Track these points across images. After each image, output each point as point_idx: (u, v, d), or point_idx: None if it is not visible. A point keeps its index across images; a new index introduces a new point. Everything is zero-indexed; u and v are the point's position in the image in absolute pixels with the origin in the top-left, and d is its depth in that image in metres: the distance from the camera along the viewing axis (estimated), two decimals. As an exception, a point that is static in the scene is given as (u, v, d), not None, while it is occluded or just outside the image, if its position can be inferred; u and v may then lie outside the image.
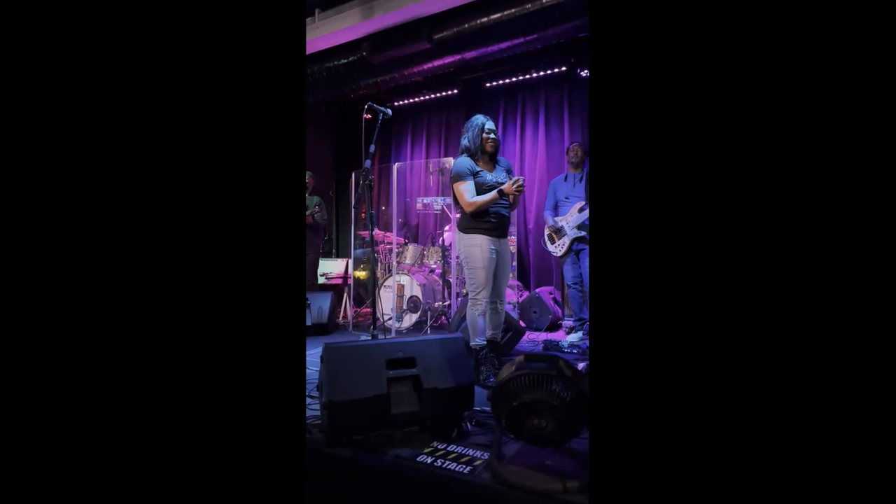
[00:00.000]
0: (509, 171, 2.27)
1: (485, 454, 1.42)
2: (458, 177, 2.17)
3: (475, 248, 2.13)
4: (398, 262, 3.71)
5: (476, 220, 2.16)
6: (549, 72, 4.36)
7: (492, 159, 2.26)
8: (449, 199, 3.88)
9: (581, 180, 3.12)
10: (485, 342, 2.21)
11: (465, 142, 2.24)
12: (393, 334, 3.34)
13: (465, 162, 2.20)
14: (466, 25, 3.49)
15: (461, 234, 2.20)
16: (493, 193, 2.12)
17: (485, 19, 3.41)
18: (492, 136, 2.21)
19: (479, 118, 2.25)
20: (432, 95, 5.02)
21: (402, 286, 3.55)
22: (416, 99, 5.10)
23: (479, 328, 2.18)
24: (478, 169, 2.19)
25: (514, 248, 4.12)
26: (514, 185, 2.09)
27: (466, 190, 2.15)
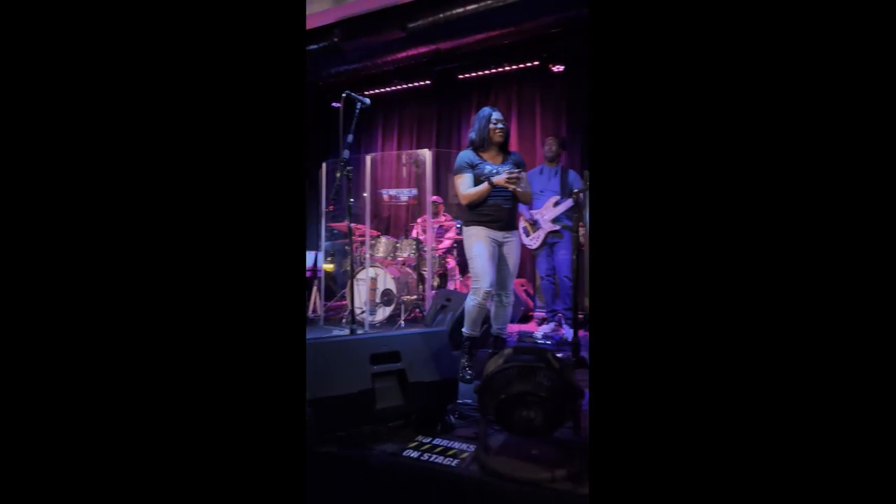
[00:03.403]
0: (518, 166, 2.21)
1: (470, 447, 1.43)
2: (456, 170, 2.20)
3: (472, 239, 2.15)
4: (370, 255, 3.66)
5: (473, 213, 2.17)
6: (521, 66, 4.39)
7: (502, 150, 2.24)
8: (415, 192, 3.85)
9: (556, 174, 3.17)
10: (474, 334, 2.21)
11: (472, 134, 2.23)
12: (367, 328, 3.30)
13: (464, 155, 2.20)
14: (441, 15, 3.45)
15: (463, 227, 2.24)
16: (485, 185, 2.11)
17: (460, 10, 3.38)
18: (499, 125, 2.18)
19: (486, 109, 2.24)
20: (405, 86, 4.95)
21: (375, 279, 3.50)
22: (388, 89, 5.01)
23: (472, 318, 2.17)
24: (478, 161, 2.18)
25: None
26: (505, 177, 2.09)
27: (461, 183, 2.17)
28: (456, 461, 1.34)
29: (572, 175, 3.19)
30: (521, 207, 3.21)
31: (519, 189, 2.13)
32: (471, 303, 2.16)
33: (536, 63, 4.31)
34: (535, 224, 3.16)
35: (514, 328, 3.40)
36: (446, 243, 4.02)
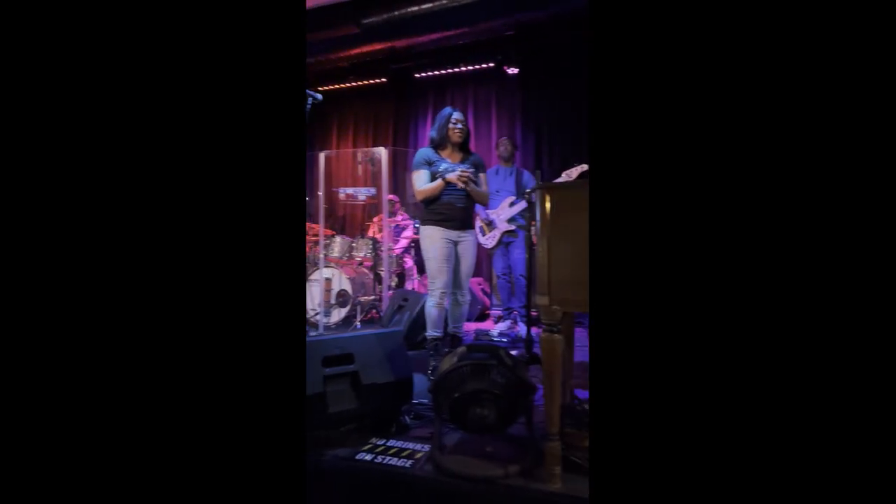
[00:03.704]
0: (477, 167, 2.23)
1: (425, 447, 1.42)
2: (414, 167, 2.21)
3: (427, 240, 2.17)
4: (325, 255, 3.57)
5: (428, 211, 2.18)
6: (477, 67, 4.43)
7: (462, 150, 2.26)
8: (374, 191, 3.80)
9: (511, 174, 3.23)
10: (437, 334, 2.21)
11: (432, 132, 2.26)
12: (321, 330, 3.22)
13: (422, 153, 2.21)
14: (396, 13, 3.42)
15: (420, 226, 2.25)
16: (438, 181, 2.12)
17: (415, 8, 3.37)
18: (459, 125, 2.20)
19: (447, 109, 2.27)
20: (360, 83, 4.86)
21: (330, 280, 3.42)
22: (343, 85, 4.91)
23: (432, 319, 2.18)
24: (435, 159, 2.19)
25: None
26: (458, 175, 2.10)
27: (416, 179, 2.17)
28: (410, 462, 1.33)
29: (527, 175, 3.25)
30: (478, 207, 3.24)
31: (472, 188, 2.15)
32: (429, 304, 2.17)
33: (492, 65, 4.37)
34: (490, 224, 3.20)
35: (471, 326, 3.42)
36: (403, 243, 4.00)
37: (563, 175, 3.03)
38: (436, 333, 2.20)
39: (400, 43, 3.63)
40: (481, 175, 2.23)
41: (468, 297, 2.31)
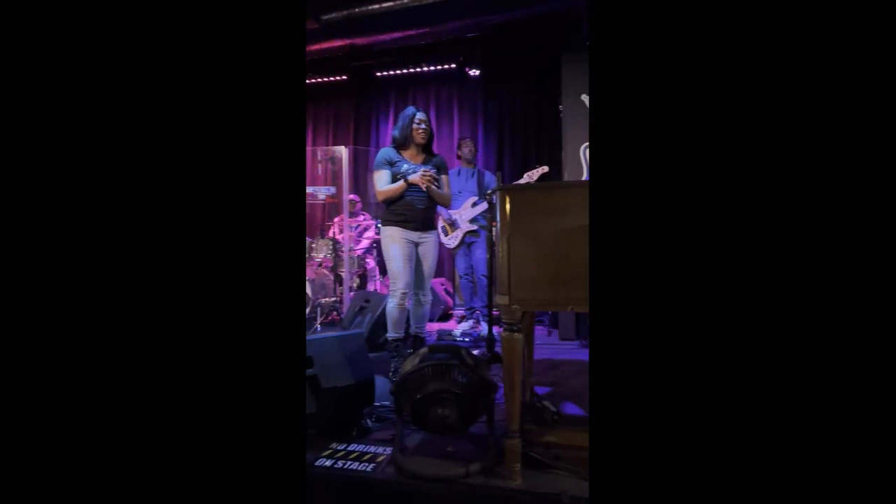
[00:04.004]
0: (440, 168, 2.21)
1: (387, 449, 1.41)
2: (374, 167, 2.18)
3: (387, 240, 2.14)
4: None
5: (389, 212, 2.15)
6: (439, 67, 4.43)
7: (424, 151, 2.23)
8: (333, 190, 3.73)
9: (473, 176, 3.25)
10: (399, 336, 2.18)
11: (395, 132, 2.22)
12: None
13: (384, 152, 2.18)
14: (357, 10, 3.37)
15: (381, 226, 2.22)
16: (400, 183, 2.10)
17: (376, 6, 3.33)
18: (422, 126, 2.17)
19: (410, 109, 2.24)
20: (320, 79, 4.76)
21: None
22: (302, 82, 4.78)
23: (394, 320, 2.15)
24: (397, 159, 2.16)
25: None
26: (420, 176, 2.08)
27: (378, 179, 2.15)
28: (372, 466, 1.32)
29: (488, 176, 3.29)
30: (440, 207, 3.25)
31: (434, 190, 2.14)
32: (390, 305, 2.15)
33: (454, 66, 4.38)
34: (453, 224, 3.21)
35: (434, 327, 3.43)
36: (365, 243, 3.94)
37: (525, 176, 3.10)
38: (397, 335, 2.18)
39: (360, 40, 3.58)
40: (443, 177, 2.22)
41: (430, 298, 2.31)
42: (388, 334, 2.18)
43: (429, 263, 2.22)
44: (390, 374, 2.14)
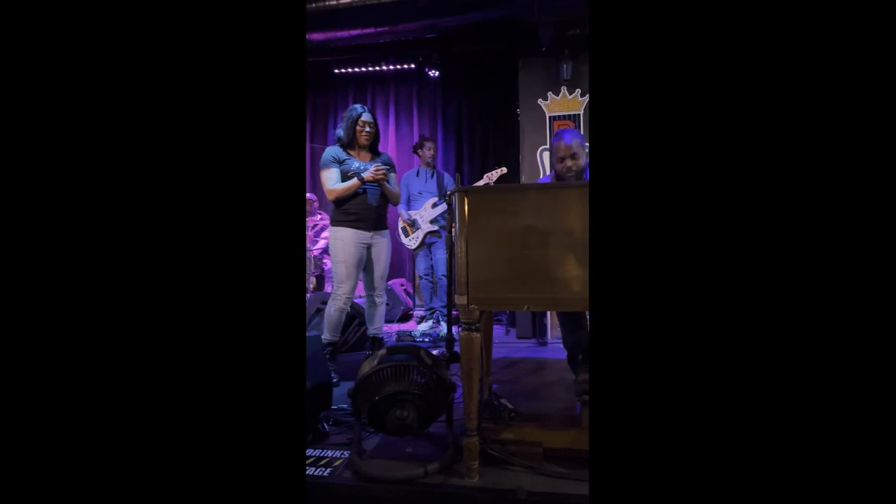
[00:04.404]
0: (389, 165, 2.19)
1: (344, 453, 1.39)
2: (322, 165, 2.12)
3: (337, 242, 2.09)
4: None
5: (340, 212, 2.10)
6: (399, 67, 4.41)
7: (371, 152, 2.20)
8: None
9: (433, 176, 3.26)
10: (335, 339, 2.14)
11: (339, 131, 2.17)
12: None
13: (330, 151, 2.13)
14: (313, 4, 3.29)
15: (331, 226, 2.16)
16: (354, 180, 2.06)
17: (333, 2, 3.27)
18: (367, 129, 2.14)
19: (356, 108, 2.17)
20: (274, 75, 4.60)
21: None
22: (255, 76, 4.61)
23: (332, 324, 2.10)
24: (344, 157, 2.12)
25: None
26: (373, 172, 2.06)
27: (327, 178, 2.09)
28: (329, 470, 1.29)
29: (447, 177, 3.31)
30: (401, 208, 3.24)
31: (387, 186, 2.13)
32: (331, 308, 2.10)
33: (413, 66, 4.37)
34: (414, 224, 3.21)
35: (394, 328, 3.41)
36: (322, 243, 3.86)
37: (485, 178, 3.14)
38: (333, 338, 2.13)
39: (317, 36, 3.50)
40: (392, 175, 2.22)
41: (385, 298, 2.29)
42: (323, 336, 2.11)
43: (382, 264, 2.19)
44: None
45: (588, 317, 1.82)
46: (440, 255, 3.16)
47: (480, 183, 3.04)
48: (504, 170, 3.13)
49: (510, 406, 1.50)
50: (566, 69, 3.32)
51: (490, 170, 3.18)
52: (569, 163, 1.71)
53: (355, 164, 2.11)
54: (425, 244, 3.20)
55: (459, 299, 1.22)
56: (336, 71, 4.52)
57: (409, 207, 3.25)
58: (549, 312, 2.85)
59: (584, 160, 1.73)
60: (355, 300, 2.39)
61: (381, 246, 2.18)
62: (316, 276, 3.80)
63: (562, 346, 1.91)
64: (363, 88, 4.67)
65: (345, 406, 1.72)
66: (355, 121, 2.14)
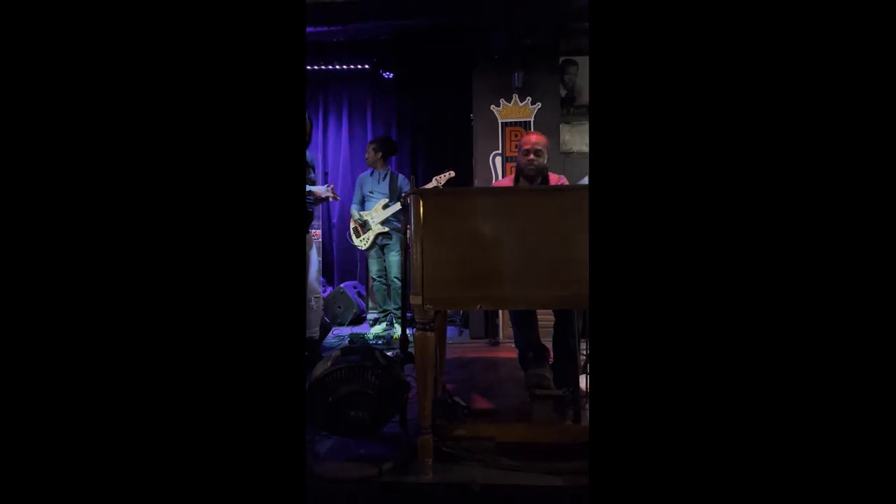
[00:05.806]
0: (310, 166, 2.24)
1: (297, 457, 1.36)
2: None
3: None
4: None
5: None
6: (352, 67, 4.36)
7: None
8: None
9: (386, 178, 3.26)
10: None
11: None
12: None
13: None
14: None
15: None
16: None
17: (285, -2, 3.19)
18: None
19: None
20: (220, 68, 4.41)
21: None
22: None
23: None
24: None
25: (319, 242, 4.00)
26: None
27: None
28: (280, 475, 1.27)
29: (402, 178, 3.32)
30: (353, 208, 3.21)
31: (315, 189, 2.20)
32: None
33: (367, 67, 4.34)
34: (365, 225, 3.19)
35: (347, 330, 3.36)
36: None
37: (434, 181, 3.18)
38: None
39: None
40: (312, 175, 2.27)
41: (321, 302, 2.33)
42: None
43: (312, 266, 2.24)
44: None
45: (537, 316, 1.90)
46: (393, 256, 3.16)
47: (430, 185, 3.07)
48: (452, 173, 3.17)
49: (464, 404, 1.53)
50: (518, 77, 3.42)
51: (440, 172, 3.22)
52: (532, 157, 1.82)
53: None
54: (377, 245, 3.18)
55: (414, 299, 1.24)
56: (286, 68, 4.40)
57: (362, 208, 3.23)
58: (500, 312, 2.92)
59: (545, 160, 1.85)
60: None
61: (309, 251, 2.24)
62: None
63: (514, 345, 1.97)
64: (315, 88, 4.57)
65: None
66: None
